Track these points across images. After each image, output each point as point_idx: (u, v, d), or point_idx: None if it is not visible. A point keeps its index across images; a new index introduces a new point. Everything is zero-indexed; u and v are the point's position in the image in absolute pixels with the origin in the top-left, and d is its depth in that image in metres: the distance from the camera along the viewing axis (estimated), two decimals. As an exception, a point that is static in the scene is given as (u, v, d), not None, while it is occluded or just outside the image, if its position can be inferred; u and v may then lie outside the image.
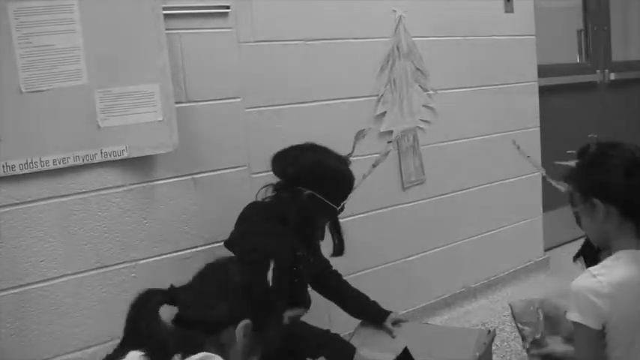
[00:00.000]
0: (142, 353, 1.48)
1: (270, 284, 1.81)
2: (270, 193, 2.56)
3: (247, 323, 1.59)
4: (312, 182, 2.46)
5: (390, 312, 2.79)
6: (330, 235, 2.62)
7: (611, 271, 1.89)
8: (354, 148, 2.69)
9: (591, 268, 1.91)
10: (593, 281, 1.87)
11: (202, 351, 1.48)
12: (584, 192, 2.00)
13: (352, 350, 2.50)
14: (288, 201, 2.46)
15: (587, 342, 1.90)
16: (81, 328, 2.53)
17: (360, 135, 2.76)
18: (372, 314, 2.79)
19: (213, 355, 1.49)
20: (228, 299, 1.61)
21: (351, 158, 2.61)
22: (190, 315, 1.58)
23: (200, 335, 1.54)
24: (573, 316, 1.89)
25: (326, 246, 2.67)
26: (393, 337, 2.64)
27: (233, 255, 2.25)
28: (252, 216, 2.53)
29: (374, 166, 2.77)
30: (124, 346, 1.52)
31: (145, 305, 1.54)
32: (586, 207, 2.00)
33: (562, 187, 2.21)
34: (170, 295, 1.59)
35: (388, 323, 2.73)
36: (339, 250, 2.64)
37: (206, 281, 1.67)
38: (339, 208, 2.53)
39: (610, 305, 1.84)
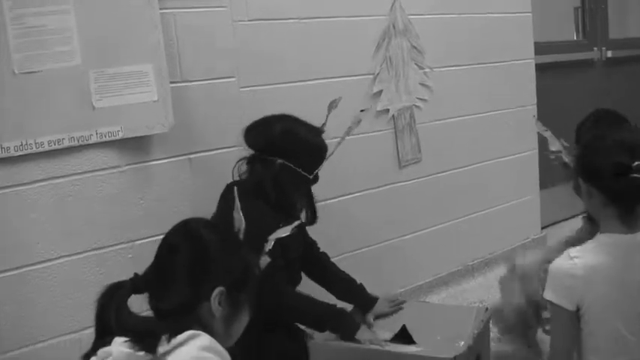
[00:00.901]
0: (125, 339, 1.46)
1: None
2: (244, 167, 2.56)
3: (221, 290, 1.54)
4: (283, 151, 2.46)
5: (377, 298, 2.75)
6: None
7: (589, 253, 1.90)
8: (327, 118, 2.67)
9: (571, 250, 1.92)
10: (569, 263, 1.90)
11: (186, 330, 1.47)
12: (575, 170, 2.03)
13: (357, 326, 2.52)
14: (261, 172, 2.46)
15: (560, 321, 1.93)
16: (79, 310, 2.53)
17: (332, 105, 2.74)
18: (357, 298, 2.76)
19: (199, 332, 1.48)
20: (185, 277, 1.55)
21: (330, 132, 2.59)
22: (158, 304, 1.54)
23: (179, 318, 1.51)
24: (549, 295, 1.92)
25: (314, 229, 2.67)
26: (373, 330, 2.62)
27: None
28: (227, 199, 2.52)
29: (347, 133, 2.76)
30: (99, 342, 1.50)
31: (109, 301, 1.50)
32: (578, 184, 2.03)
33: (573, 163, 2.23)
34: (135, 285, 1.56)
35: (370, 317, 2.68)
36: (311, 219, 2.63)
37: (164, 262, 1.60)
38: (312, 177, 2.53)
39: (583, 287, 1.86)
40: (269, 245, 2.42)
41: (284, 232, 2.29)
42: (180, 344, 1.44)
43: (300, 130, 2.52)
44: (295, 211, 2.58)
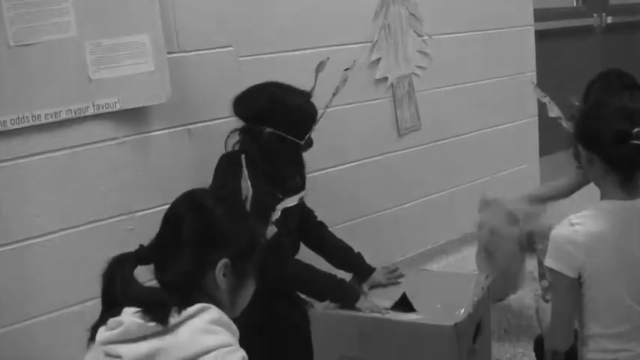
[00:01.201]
0: (136, 309, 1.46)
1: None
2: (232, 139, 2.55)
3: (225, 262, 1.52)
4: (271, 119, 2.45)
5: (374, 268, 2.74)
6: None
7: (590, 220, 1.89)
8: (315, 81, 2.66)
9: (571, 217, 1.92)
10: (570, 230, 1.88)
11: (192, 301, 1.47)
12: (575, 136, 2.02)
13: (357, 295, 2.53)
14: (250, 143, 2.45)
15: (561, 288, 1.93)
16: (80, 282, 2.53)
17: (319, 67, 2.72)
18: (354, 265, 2.75)
19: (209, 305, 1.48)
20: (191, 248, 1.52)
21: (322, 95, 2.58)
22: (162, 275, 1.52)
23: (184, 289, 1.49)
24: (549, 262, 1.91)
25: (313, 198, 2.66)
26: (370, 300, 2.59)
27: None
28: (223, 170, 2.52)
29: (334, 94, 2.74)
30: (106, 314, 1.50)
31: (115, 273, 1.50)
32: (577, 150, 2.02)
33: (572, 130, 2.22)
34: (140, 256, 1.55)
35: (366, 287, 2.68)
36: (300, 186, 2.61)
37: (169, 233, 1.58)
38: (304, 142, 2.52)
39: (585, 254, 1.86)
40: (276, 215, 2.43)
41: (291, 201, 2.29)
42: (191, 316, 1.44)
43: (287, 97, 2.50)
44: (287, 180, 2.57)
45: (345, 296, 2.52)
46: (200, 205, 1.59)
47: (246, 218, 1.66)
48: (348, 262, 2.76)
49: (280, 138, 2.45)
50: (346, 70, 2.77)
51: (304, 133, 2.51)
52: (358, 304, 2.50)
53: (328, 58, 2.73)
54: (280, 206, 2.15)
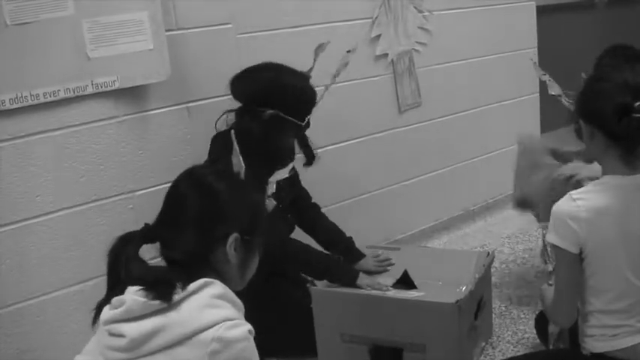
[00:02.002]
0: (139, 288, 1.47)
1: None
2: (230, 120, 2.55)
3: (236, 237, 1.53)
4: (272, 101, 2.44)
5: (364, 255, 2.71)
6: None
7: (592, 195, 1.89)
8: (314, 62, 2.65)
9: (573, 192, 1.91)
10: (572, 205, 1.88)
11: (199, 278, 1.47)
12: (576, 111, 2.01)
13: (355, 274, 2.52)
14: (249, 123, 2.45)
15: (564, 264, 1.93)
16: (81, 262, 2.53)
17: (319, 49, 2.71)
18: (344, 250, 2.72)
19: (212, 280, 1.48)
20: (197, 226, 1.53)
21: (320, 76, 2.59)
22: (170, 253, 1.53)
23: (191, 266, 1.50)
24: (551, 238, 1.91)
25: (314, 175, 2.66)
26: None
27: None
28: (219, 148, 2.51)
29: (335, 76, 2.73)
30: (112, 292, 1.50)
31: (121, 252, 1.50)
32: (579, 126, 2.01)
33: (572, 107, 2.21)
34: (146, 235, 1.55)
35: (362, 280, 2.56)
36: (309, 160, 2.64)
37: (174, 212, 1.58)
38: (305, 123, 2.52)
39: (587, 230, 1.85)
40: (271, 188, 2.43)
41: (282, 174, 2.29)
42: (194, 292, 1.45)
43: (286, 78, 2.50)
44: (286, 160, 2.57)
45: (344, 275, 2.52)
46: (202, 182, 1.59)
47: (248, 191, 1.67)
48: (339, 246, 2.74)
49: (281, 119, 2.44)
50: (348, 52, 2.76)
51: (305, 114, 2.51)
52: (358, 282, 2.50)
53: (329, 41, 2.72)
54: (273, 179, 2.15)
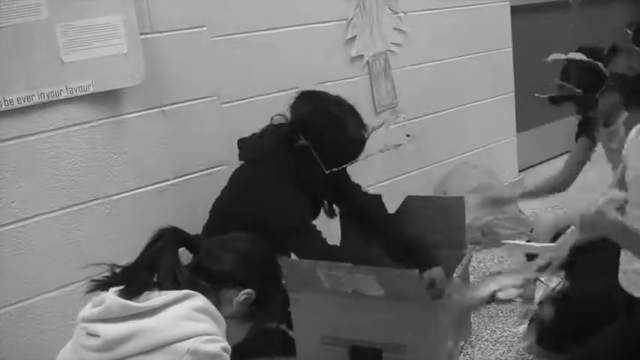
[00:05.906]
0: (118, 289, 1.47)
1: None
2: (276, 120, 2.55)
3: (250, 293, 1.61)
4: (315, 135, 2.43)
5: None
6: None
7: None
8: (372, 131, 2.62)
9: None
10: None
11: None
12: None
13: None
14: (279, 143, 2.46)
15: None
16: (57, 268, 2.51)
17: (371, 130, 2.63)
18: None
19: (196, 293, 1.49)
20: (237, 262, 1.64)
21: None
22: (207, 263, 1.61)
23: (208, 284, 1.57)
24: None
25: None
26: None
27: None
28: (257, 176, 2.51)
29: (381, 151, 2.73)
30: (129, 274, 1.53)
31: (163, 246, 1.56)
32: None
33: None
34: (187, 240, 1.62)
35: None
36: (329, 213, 2.67)
37: (228, 239, 1.71)
38: (329, 172, 2.47)
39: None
40: None
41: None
42: (175, 302, 1.45)
43: (350, 125, 2.45)
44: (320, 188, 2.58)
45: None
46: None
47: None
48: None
49: (310, 156, 2.43)
50: (407, 136, 2.75)
51: (332, 165, 2.48)
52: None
53: (382, 123, 2.72)
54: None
